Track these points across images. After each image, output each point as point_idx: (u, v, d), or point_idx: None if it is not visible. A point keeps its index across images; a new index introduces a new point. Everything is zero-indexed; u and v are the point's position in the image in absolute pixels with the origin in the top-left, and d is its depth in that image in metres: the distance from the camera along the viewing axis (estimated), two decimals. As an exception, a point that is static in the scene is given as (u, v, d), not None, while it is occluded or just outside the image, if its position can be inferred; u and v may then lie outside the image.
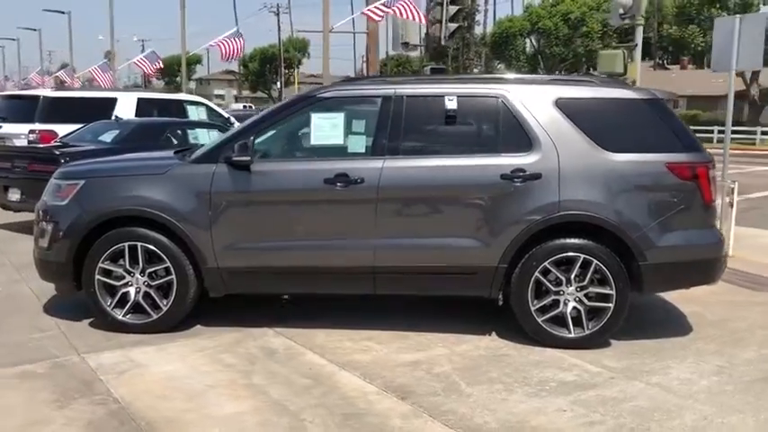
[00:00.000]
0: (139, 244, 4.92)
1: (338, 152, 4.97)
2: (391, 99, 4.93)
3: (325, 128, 4.96)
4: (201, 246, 4.88)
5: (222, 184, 4.87)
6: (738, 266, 7.22)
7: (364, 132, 4.99)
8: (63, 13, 52.37)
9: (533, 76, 5.96)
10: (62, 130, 10.91)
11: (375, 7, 14.42)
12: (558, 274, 4.79)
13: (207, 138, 10.11)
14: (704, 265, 4.91)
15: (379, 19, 14.09)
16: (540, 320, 4.82)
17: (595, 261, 4.74)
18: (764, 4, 39.70)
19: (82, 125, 10.58)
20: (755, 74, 39.55)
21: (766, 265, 7.56)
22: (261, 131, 4.99)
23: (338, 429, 3.60)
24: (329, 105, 5.01)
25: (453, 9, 14.17)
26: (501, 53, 48.53)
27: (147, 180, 4.97)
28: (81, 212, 4.96)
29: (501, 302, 4.99)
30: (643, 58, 73.33)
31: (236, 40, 21.74)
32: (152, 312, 4.99)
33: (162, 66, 29.55)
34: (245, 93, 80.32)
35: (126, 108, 11.95)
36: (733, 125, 9.05)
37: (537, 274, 4.78)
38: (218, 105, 19.00)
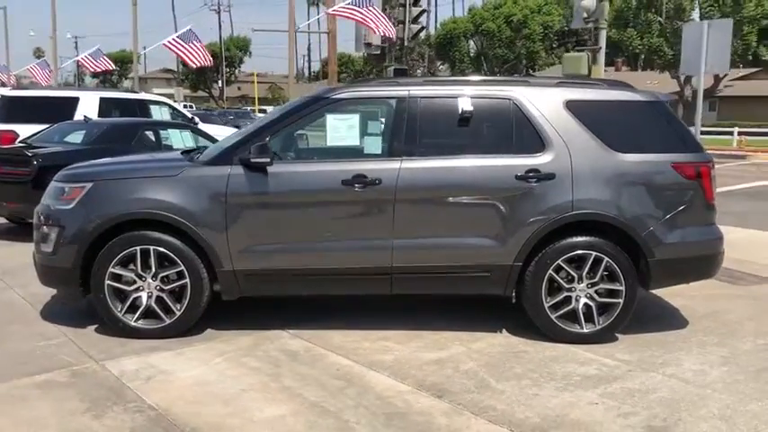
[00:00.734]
0: (152, 248, 4.82)
1: (354, 153, 5.00)
2: (405, 100, 4.98)
3: (341, 129, 4.98)
4: (217, 248, 4.82)
5: (238, 186, 4.82)
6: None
7: (380, 133, 5.01)
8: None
9: (542, 78, 6.08)
10: (22, 130, 10.55)
11: (342, 8, 14.40)
12: (571, 271, 4.93)
13: (179, 139, 9.96)
14: (706, 261, 5.13)
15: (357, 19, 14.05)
16: (553, 317, 4.95)
17: (606, 258, 4.90)
18: (695, 10, 41.37)
19: (45, 125, 10.26)
20: (689, 76, 41.21)
21: (736, 260, 7.89)
22: (275, 133, 4.97)
23: (385, 429, 3.63)
24: (343, 106, 5.02)
25: (416, 11, 14.29)
26: (445, 54, 49.11)
27: (159, 182, 4.88)
28: (90, 216, 4.83)
29: (514, 300, 5.10)
30: (579, 60, 75.22)
31: (195, 44, 21.32)
32: (165, 317, 4.90)
33: (111, 66, 28.71)
34: (186, 92, 78.75)
35: (88, 108, 11.61)
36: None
37: (550, 271, 4.91)
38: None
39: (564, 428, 3.65)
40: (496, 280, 4.96)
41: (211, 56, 71.02)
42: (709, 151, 5.42)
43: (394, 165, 4.87)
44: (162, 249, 4.83)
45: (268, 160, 4.74)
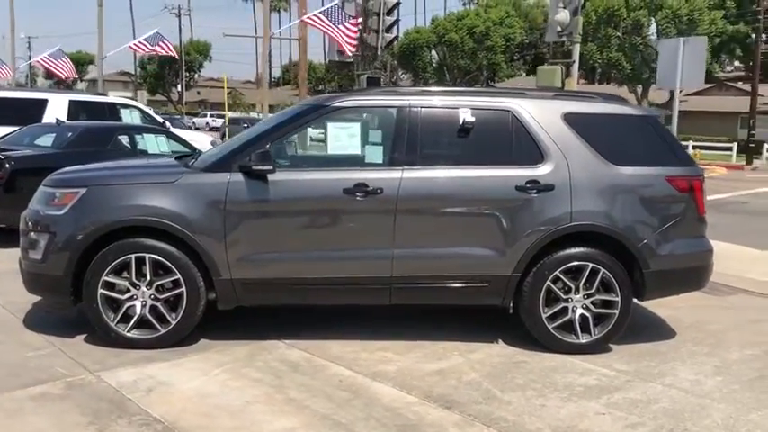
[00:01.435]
0: (147, 255, 4.71)
1: (355, 162, 4.97)
2: (406, 110, 4.97)
3: (342, 137, 4.95)
4: (215, 257, 4.73)
5: (238, 194, 4.74)
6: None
7: (381, 142, 4.99)
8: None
9: (539, 90, 6.14)
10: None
11: (315, 18, 14.36)
12: (568, 282, 4.97)
13: (155, 144, 9.78)
14: (697, 272, 5.24)
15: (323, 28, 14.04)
16: (550, 327, 4.98)
17: (602, 269, 4.96)
18: (651, 25, 42.45)
19: (11, 127, 9.98)
20: (645, 89, 42.21)
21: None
22: (275, 140, 4.91)
23: (399, 441, 3.60)
24: (344, 115, 4.99)
25: (389, 20, 14.34)
26: (408, 64, 49.36)
27: (156, 189, 4.77)
28: (83, 222, 4.70)
29: (511, 311, 5.13)
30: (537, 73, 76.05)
31: (163, 44, 21.00)
32: (159, 327, 4.79)
33: (73, 72, 27.99)
34: (145, 95, 77.50)
35: (57, 110, 11.32)
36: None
37: (548, 282, 4.95)
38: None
39: (575, 439, 3.68)
40: (495, 290, 4.98)
41: (170, 59, 70.02)
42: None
43: (395, 174, 4.85)
44: (157, 257, 4.72)
45: (270, 168, 4.68)
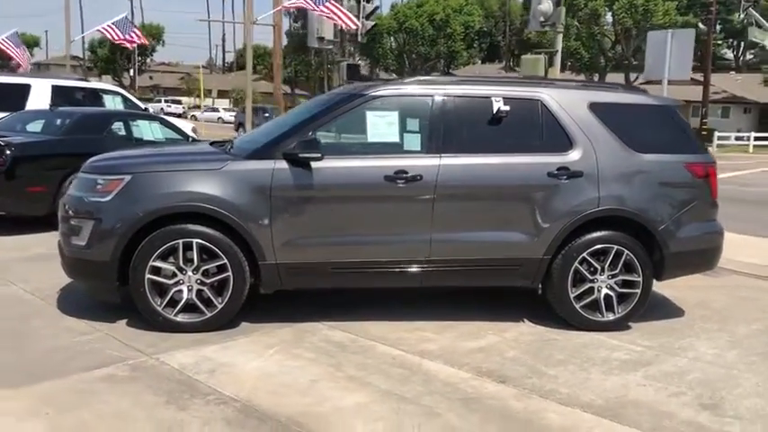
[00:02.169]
0: (195, 241, 4.80)
1: (394, 149, 5.12)
2: (442, 99, 5.15)
3: (381, 125, 5.10)
4: (261, 242, 4.85)
5: (283, 181, 4.86)
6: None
7: (418, 130, 5.16)
8: None
9: (565, 80, 6.38)
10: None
11: (297, -1, 14.35)
12: (594, 264, 5.25)
13: (149, 130, 9.74)
14: (711, 253, 5.58)
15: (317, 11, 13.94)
16: (577, 306, 5.25)
17: (626, 251, 5.24)
18: (607, 16, 43.39)
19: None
20: (602, 77, 43.17)
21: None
22: (317, 128, 5.03)
23: (469, 413, 3.80)
24: (382, 104, 5.14)
25: (370, 7, 14.42)
26: (368, 51, 49.33)
27: (203, 176, 4.85)
28: (131, 209, 4.75)
29: (540, 291, 5.40)
30: (492, 61, 77.31)
31: (135, 32, 20.59)
32: (206, 311, 4.89)
33: (28, 59, 27.03)
34: (93, 80, 75.64)
35: (41, 95, 11.14)
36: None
37: (576, 264, 5.21)
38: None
39: (630, 408, 3.94)
40: (526, 272, 5.22)
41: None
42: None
43: (434, 161, 5.04)
44: (205, 243, 4.81)
45: (319, 155, 4.81)
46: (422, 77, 5.41)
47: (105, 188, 4.87)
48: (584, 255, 5.22)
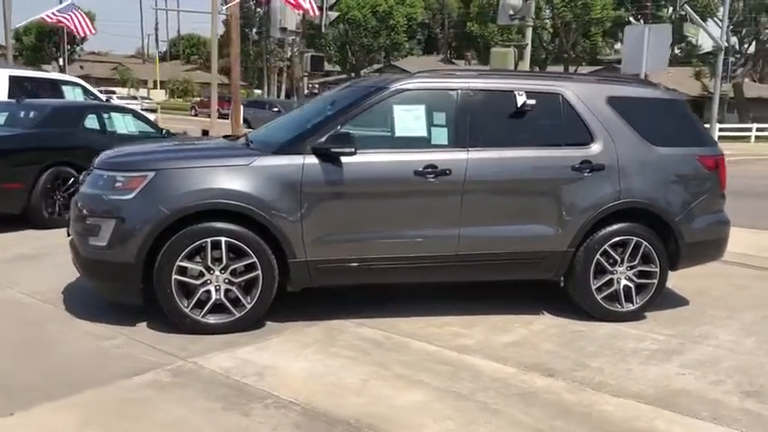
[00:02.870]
0: (224, 239, 4.64)
1: (422, 143, 5.07)
2: (468, 92, 5.13)
3: (408, 119, 5.03)
4: (292, 239, 4.73)
5: (314, 176, 4.75)
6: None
7: (445, 124, 5.12)
8: None
9: (583, 74, 6.43)
10: None
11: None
12: (614, 255, 5.33)
13: (123, 123, 9.39)
14: (720, 243, 5.74)
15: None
16: (598, 298, 5.33)
17: (644, 243, 5.35)
18: (548, 9, 44.21)
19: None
20: (543, 70, 44.06)
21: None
22: (345, 122, 4.93)
23: (527, 407, 3.80)
24: (409, 97, 5.07)
25: (334, -2, 14.24)
26: (311, 41, 48.82)
27: (232, 171, 4.69)
28: (157, 207, 4.55)
29: (562, 284, 5.45)
30: (431, 53, 77.62)
31: (77, 15, 19.71)
32: (234, 311, 4.74)
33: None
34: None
35: (-3, 86, 10.60)
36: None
37: (598, 256, 5.28)
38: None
39: (680, 397, 4.02)
40: (550, 265, 5.26)
41: (48, 31, 65.58)
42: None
43: (462, 155, 5.01)
44: (234, 241, 4.66)
45: (352, 150, 4.71)
46: (446, 70, 5.37)
47: (127, 185, 4.65)
48: (606, 247, 5.29)
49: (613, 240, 5.30)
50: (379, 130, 5.12)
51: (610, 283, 5.35)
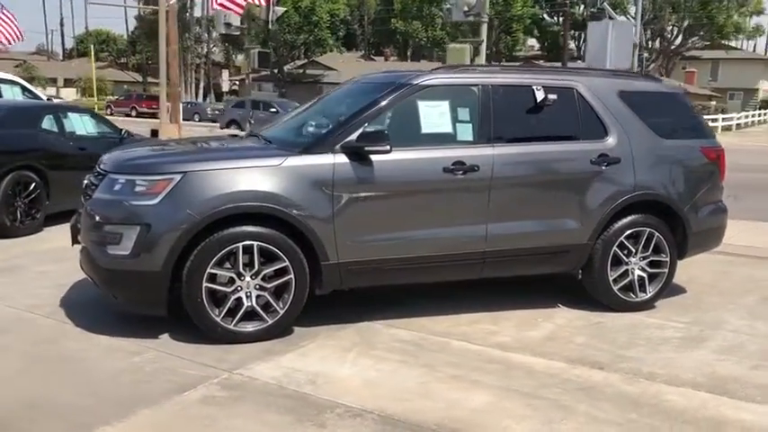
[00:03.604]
0: (256, 243, 4.43)
1: (447, 140, 5.00)
2: (489, 88, 5.09)
3: (433, 116, 4.96)
4: (324, 241, 4.57)
5: (346, 175, 4.61)
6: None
7: (469, 120, 5.06)
8: None
9: (594, 69, 6.49)
10: None
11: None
12: (629, 246, 5.43)
13: (81, 124, 8.90)
14: (720, 231, 5.95)
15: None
16: (615, 289, 5.42)
17: (657, 233, 5.47)
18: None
19: None
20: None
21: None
22: (371, 119, 4.80)
23: (596, 402, 3.81)
24: (433, 93, 5.00)
25: (281, -7, 13.91)
26: (232, 37, 47.86)
27: (264, 172, 4.48)
28: (186, 212, 4.30)
29: (580, 276, 5.51)
30: (350, 49, 77.53)
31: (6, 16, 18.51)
32: (267, 317, 4.54)
33: None
34: None
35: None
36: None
37: (615, 247, 5.36)
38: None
39: (729, 383, 4.11)
40: (572, 259, 5.30)
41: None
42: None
43: (488, 151, 4.98)
44: (266, 245, 4.45)
45: (387, 148, 4.59)
46: (466, 65, 5.32)
47: (151, 189, 4.37)
48: (622, 238, 5.38)
49: (629, 232, 5.39)
50: (405, 128, 4.99)
51: (625, 273, 5.44)
